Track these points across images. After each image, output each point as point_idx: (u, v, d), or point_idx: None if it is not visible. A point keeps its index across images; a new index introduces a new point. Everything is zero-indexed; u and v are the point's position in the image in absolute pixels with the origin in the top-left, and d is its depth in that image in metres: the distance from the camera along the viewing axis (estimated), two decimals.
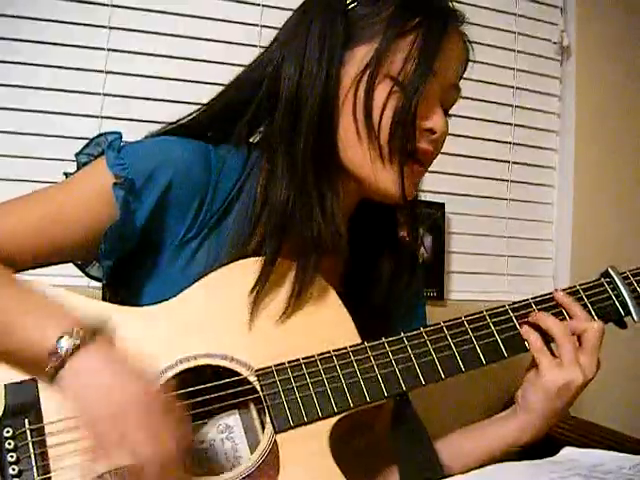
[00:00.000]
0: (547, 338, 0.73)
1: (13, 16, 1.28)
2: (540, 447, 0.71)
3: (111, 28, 1.35)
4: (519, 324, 0.75)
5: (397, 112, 0.70)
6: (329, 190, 0.73)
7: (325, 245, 0.71)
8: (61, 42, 1.31)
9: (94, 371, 0.59)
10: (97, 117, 1.33)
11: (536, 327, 0.74)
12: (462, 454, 0.75)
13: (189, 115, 0.79)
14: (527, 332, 0.74)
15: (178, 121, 0.79)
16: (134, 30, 1.37)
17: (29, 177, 1.26)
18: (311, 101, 0.71)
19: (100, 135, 0.76)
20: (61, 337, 0.58)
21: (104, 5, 1.34)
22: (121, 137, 0.74)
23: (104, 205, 0.70)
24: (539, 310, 0.75)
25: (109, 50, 1.34)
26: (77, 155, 0.77)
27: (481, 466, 0.73)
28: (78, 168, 0.76)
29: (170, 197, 0.72)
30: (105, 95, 1.34)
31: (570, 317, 0.75)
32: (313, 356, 0.69)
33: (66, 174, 0.77)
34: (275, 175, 0.73)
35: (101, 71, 1.34)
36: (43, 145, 1.30)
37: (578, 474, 0.52)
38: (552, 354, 0.73)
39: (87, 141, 0.77)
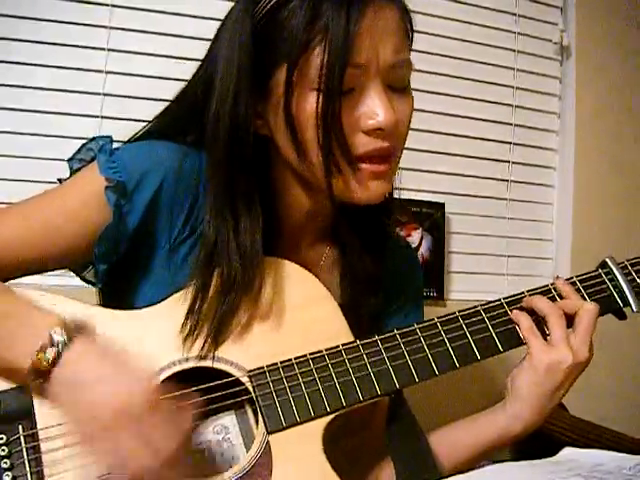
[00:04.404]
0: (540, 325, 0.72)
1: (12, 16, 1.28)
2: (540, 447, 0.71)
3: (111, 28, 1.35)
4: (511, 312, 0.74)
5: (325, 124, 0.65)
6: (250, 228, 0.70)
7: (238, 287, 0.69)
8: (61, 42, 1.31)
9: (90, 364, 0.59)
10: (97, 117, 1.33)
11: (528, 311, 0.74)
12: (455, 448, 0.74)
13: (161, 115, 0.80)
14: (517, 315, 0.73)
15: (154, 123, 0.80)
16: (134, 30, 1.37)
17: (29, 178, 1.26)
18: (221, 138, 0.69)
19: (92, 140, 0.76)
20: (53, 332, 0.58)
21: (104, 5, 1.34)
22: (112, 141, 0.74)
23: (97, 209, 0.70)
24: None
25: (109, 50, 1.34)
26: (69, 160, 0.77)
27: (475, 460, 0.74)
28: (71, 174, 0.76)
29: (162, 199, 0.72)
30: (105, 95, 1.34)
31: None
32: (305, 355, 0.69)
33: (60, 180, 0.78)
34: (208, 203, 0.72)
35: (101, 71, 1.34)
36: (43, 145, 1.30)
37: (578, 474, 0.52)
38: (545, 338, 0.72)
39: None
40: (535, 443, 0.74)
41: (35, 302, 0.65)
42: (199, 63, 0.77)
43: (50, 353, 0.58)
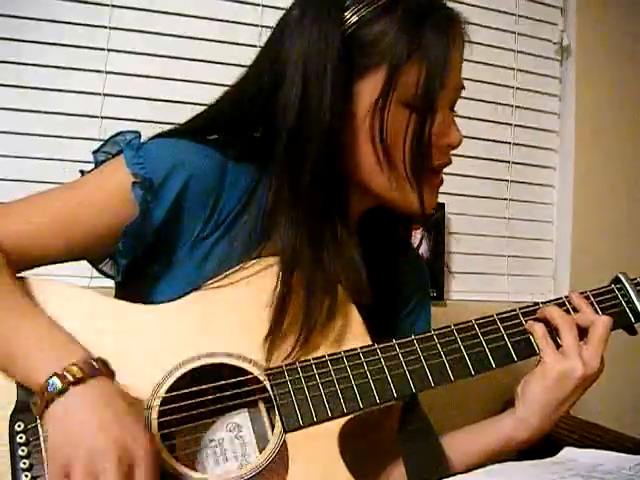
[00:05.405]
0: (553, 335, 0.73)
1: (13, 16, 1.28)
2: (540, 447, 0.71)
3: (111, 28, 1.35)
4: (526, 322, 0.75)
5: (415, 138, 0.70)
6: (344, 230, 0.73)
7: (347, 291, 0.72)
8: (61, 42, 1.31)
9: (76, 414, 0.57)
10: (97, 117, 1.33)
11: (542, 322, 0.75)
12: (463, 452, 0.75)
13: (193, 118, 0.79)
14: (532, 325, 0.74)
15: (185, 123, 0.79)
16: (134, 30, 1.37)
17: (29, 178, 1.26)
18: (316, 139, 0.69)
19: (118, 134, 0.76)
20: (51, 377, 0.57)
21: (104, 5, 1.34)
22: (140, 136, 0.74)
23: (122, 203, 0.71)
24: None
25: (109, 50, 1.34)
26: (94, 153, 0.77)
27: (481, 465, 0.74)
28: (96, 166, 0.76)
29: (186, 197, 0.72)
30: (105, 95, 1.34)
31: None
32: (324, 356, 0.70)
33: (82, 172, 0.78)
34: (281, 208, 0.72)
35: (101, 71, 1.34)
36: (43, 146, 1.30)
37: (578, 474, 0.52)
38: (558, 347, 0.73)
39: (90, 140, 0.77)
40: (536, 443, 0.74)
41: (67, 298, 0.67)
42: (248, 67, 0.77)
43: (56, 385, 0.57)
